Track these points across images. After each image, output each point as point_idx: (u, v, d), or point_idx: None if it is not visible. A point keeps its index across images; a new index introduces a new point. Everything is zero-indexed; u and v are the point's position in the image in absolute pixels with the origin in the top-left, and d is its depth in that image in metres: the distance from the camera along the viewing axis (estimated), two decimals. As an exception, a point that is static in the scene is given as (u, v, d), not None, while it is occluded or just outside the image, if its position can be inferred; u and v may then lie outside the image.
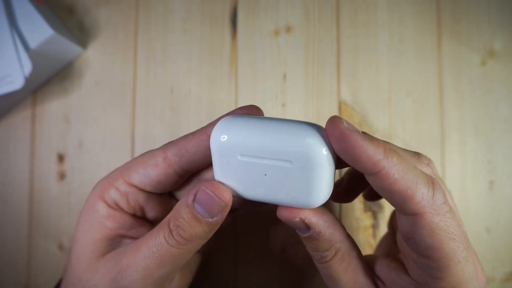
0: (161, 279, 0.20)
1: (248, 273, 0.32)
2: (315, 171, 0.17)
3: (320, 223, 0.19)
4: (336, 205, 0.32)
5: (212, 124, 0.20)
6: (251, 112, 0.20)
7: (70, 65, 0.34)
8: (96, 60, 0.34)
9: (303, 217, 0.18)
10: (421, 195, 0.16)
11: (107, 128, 0.34)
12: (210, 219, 0.19)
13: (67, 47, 0.33)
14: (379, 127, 0.32)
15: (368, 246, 0.32)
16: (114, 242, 0.21)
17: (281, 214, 0.19)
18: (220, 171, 0.19)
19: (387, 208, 0.32)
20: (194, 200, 0.19)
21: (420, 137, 0.32)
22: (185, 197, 0.19)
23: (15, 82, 0.29)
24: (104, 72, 0.34)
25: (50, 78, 0.34)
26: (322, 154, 0.16)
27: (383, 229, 0.32)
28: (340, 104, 0.33)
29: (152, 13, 0.34)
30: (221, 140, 0.18)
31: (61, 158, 0.34)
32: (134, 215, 0.22)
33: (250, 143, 0.17)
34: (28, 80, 0.30)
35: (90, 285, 0.20)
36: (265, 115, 0.33)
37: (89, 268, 0.20)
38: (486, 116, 0.32)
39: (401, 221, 0.18)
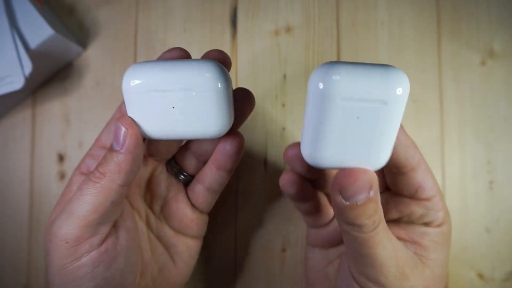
0: (84, 219, 0.20)
1: (248, 273, 0.32)
2: (210, 95, 0.20)
3: (375, 177, 0.18)
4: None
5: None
6: (174, 53, 0.23)
7: (70, 65, 0.34)
8: (96, 60, 0.34)
9: (371, 175, 0.18)
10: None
11: (107, 128, 0.34)
12: (119, 149, 0.21)
13: (67, 47, 0.33)
14: (379, 127, 0.32)
15: (368, 246, 0.32)
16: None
17: (350, 177, 0.18)
18: (132, 113, 0.21)
19: (387, 208, 0.32)
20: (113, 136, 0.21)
21: (420, 137, 0.32)
22: None
23: (15, 82, 0.29)
24: (104, 72, 0.34)
25: (50, 78, 0.34)
26: (213, 79, 0.19)
27: (383, 229, 0.32)
28: (340, 104, 0.33)
29: (152, 13, 0.34)
30: (131, 84, 0.20)
31: (61, 158, 0.34)
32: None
33: (157, 78, 0.20)
34: (28, 80, 0.30)
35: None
36: (265, 115, 0.33)
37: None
38: (486, 116, 0.32)
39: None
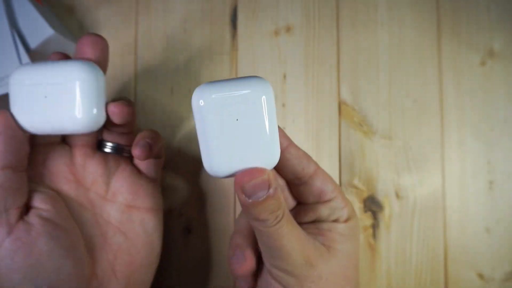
0: None
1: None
2: (75, 88, 0.22)
3: (273, 177, 0.20)
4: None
5: None
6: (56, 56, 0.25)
7: (70, 65, 0.34)
8: (96, 60, 0.34)
9: (268, 174, 0.20)
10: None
11: (107, 128, 0.34)
12: None
13: (67, 47, 0.33)
14: (379, 127, 0.32)
15: (368, 246, 0.32)
16: None
17: (248, 175, 0.20)
18: (14, 109, 0.23)
19: (387, 208, 0.32)
20: None
21: (420, 137, 0.32)
22: None
23: (15, 82, 0.29)
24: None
25: (50, 78, 0.34)
26: (77, 74, 0.22)
27: (383, 229, 0.32)
28: (340, 104, 0.33)
29: (152, 13, 0.34)
30: (13, 80, 0.23)
31: (61, 158, 0.34)
32: None
33: (33, 73, 0.23)
34: (28, 80, 0.30)
35: None
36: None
37: None
38: (486, 116, 0.32)
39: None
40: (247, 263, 0.23)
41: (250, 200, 0.19)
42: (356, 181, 0.32)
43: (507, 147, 0.32)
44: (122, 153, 0.27)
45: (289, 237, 0.21)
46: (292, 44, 0.33)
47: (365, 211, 0.32)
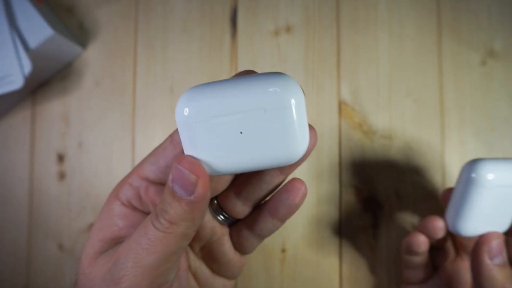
0: (154, 269, 0.19)
1: (248, 273, 0.32)
2: (287, 111, 0.16)
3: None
4: (336, 205, 0.32)
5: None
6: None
7: (70, 65, 0.34)
8: (96, 60, 0.34)
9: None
10: None
11: (107, 128, 0.34)
12: (188, 197, 0.18)
13: (67, 47, 0.33)
14: (379, 127, 0.32)
15: (368, 246, 0.32)
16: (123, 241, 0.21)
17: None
18: (191, 147, 0.18)
19: (387, 208, 0.32)
20: (172, 180, 0.18)
21: (420, 137, 0.32)
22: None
23: (15, 82, 0.29)
24: (104, 72, 0.34)
25: (50, 78, 0.34)
26: (286, 93, 0.16)
27: (383, 229, 0.32)
28: (340, 104, 0.33)
29: (152, 12, 0.34)
30: (185, 114, 0.17)
31: (61, 158, 0.34)
32: (149, 213, 0.22)
33: (219, 101, 0.17)
34: (28, 80, 0.30)
35: (90, 278, 0.20)
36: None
37: (91, 262, 0.20)
38: (486, 116, 0.32)
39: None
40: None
41: (494, 262, 0.23)
42: (356, 181, 0.32)
43: (508, 147, 0.31)
44: (225, 219, 0.24)
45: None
46: (292, 44, 0.33)
47: (365, 211, 0.32)
